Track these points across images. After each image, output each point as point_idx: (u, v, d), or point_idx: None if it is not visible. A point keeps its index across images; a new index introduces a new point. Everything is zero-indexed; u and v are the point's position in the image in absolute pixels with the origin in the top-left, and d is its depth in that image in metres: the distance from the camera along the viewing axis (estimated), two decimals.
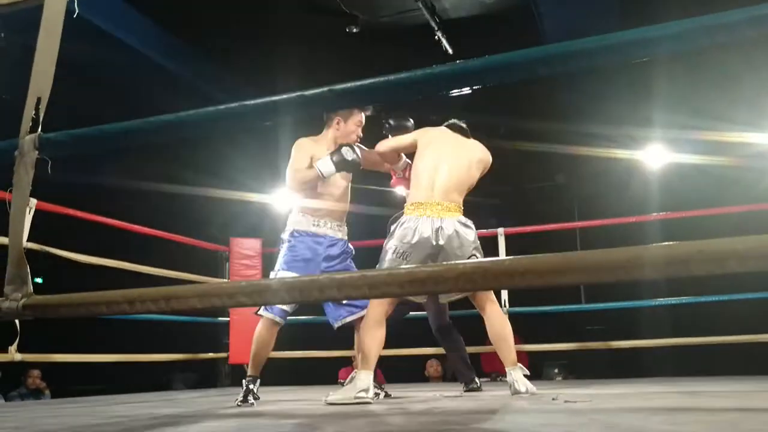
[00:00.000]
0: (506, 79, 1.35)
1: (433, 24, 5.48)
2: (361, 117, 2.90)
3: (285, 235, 2.84)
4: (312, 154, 2.82)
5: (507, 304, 4.38)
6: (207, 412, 2.31)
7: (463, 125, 3.05)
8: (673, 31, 1.08)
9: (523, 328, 5.60)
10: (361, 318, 2.75)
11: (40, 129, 1.39)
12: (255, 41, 5.88)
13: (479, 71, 1.26)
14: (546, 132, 6.38)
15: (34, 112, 1.40)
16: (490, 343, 3.08)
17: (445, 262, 2.58)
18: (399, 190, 3.19)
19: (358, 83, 1.27)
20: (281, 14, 5.73)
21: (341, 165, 2.74)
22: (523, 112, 6.48)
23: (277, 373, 4.24)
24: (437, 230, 2.67)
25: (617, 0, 5.24)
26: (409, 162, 2.96)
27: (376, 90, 1.29)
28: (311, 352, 5.02)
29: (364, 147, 2.91)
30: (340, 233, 2.90)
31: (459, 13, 5.69)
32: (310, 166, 2.78)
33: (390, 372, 4.22)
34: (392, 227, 2.83)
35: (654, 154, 6.18)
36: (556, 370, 6.10)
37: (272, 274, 2.83)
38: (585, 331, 6.13)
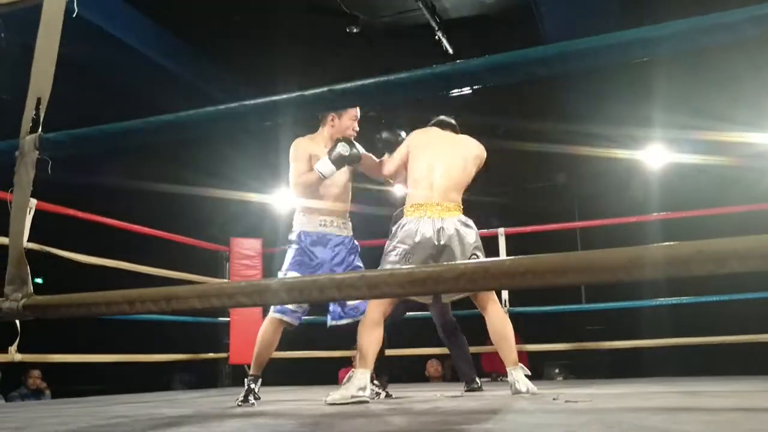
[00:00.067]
0: (506, 80, 1.35)
1: (433, 24, 5.48)
2: (355, 111, 2.90)
3: (293, 236, 2.85)
4: (310, 153, 2.83)
5: (507, 304, 4.38)
6: (207, 413, 2.31)
7: (452, 121, 3.05)
8: (673, 31, 1.08)
9: (524, 328, 5.61)
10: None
11: (40, 129, 1.39)
12: (255, 41, 5.88)
13: (479, 71, 1.26)
14: (546, 132, 6.38)
15: (34, 113, 1.40)
16: (490, 343, 3.09)
17: (445, 262, 2.58)
18: (398, 189, 3.19)
19: (359, 83, 1.27)
20: (281, 14, 5.73)
21: (340, 162, 2.75)
22: (523, 112, 6.49)
23: (277, 373, 4.24)
24: (438, 231, 2.67)
25: (617, 0, 5.24)
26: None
27: (376, 90, 1.29)
28: (311, 352, 5.02)
29: (362, 148, 2.90)
30: (346, 230, 2.91)
31: (459, 13, 5.69)
32: (310, 169, 2.79)
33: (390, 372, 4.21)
34: (393, 228, 2.83)
35: (654, 154, 6.18)
36: (557, 370, 6.11)
37: (280, 275, 2.83)
38: (585, 331, 6.13)
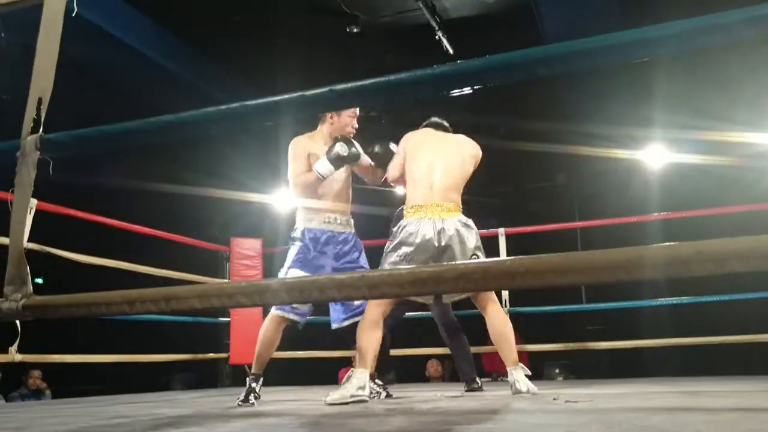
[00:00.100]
0: (507, 80, 1.35)
1: (433, 24, 5.48)
2: (355, 108, 2.88)
3: (296, 234, 2.83)
4: (309, 151, 2.82)
5: (508, 304, 4.38)
6: (208, 413, 2.31)
7: (444, 122, 3.05)
8: (673, 31, 1.08)
9: (524, 328, 5.61)
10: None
11: (41, 130, 1.39)
12: (255, 41, 5.88)
13: (480, 71, 1.26)
14: (546, 132, 6.38)
15: (35, 113, 1.40)
16: (491, 343, 3.08)
17: (445, 263, 2.58)
18: (399, 189, 3.19)
19: (359, 83, 1.27)
20: (281, 14, 5.74)
21: (338, 162, 2.74)
22: (523, 112, 6.48)
23: (277, 373, 4.25)
24: (439, 232, 2.67)
25: (617, 0, 5.24)
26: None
27: (377, 90, 1.30)
28: (311, 352, 5.02)
29: (360, 148, 2.89)
30: (349, 227, 2.91)
31: (459, 12, 5.70)
32: (309, 168, 2.78)
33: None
34: (393, 230, 2.82)
35: (654, 154, 6.18)
36: (557, 370, 6.10)
37: (282, 272, 2.82)
38: (585, 331, 6.13)
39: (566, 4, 5.22)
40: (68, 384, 5.55)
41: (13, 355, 3.17)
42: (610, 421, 1.50)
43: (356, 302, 2.78)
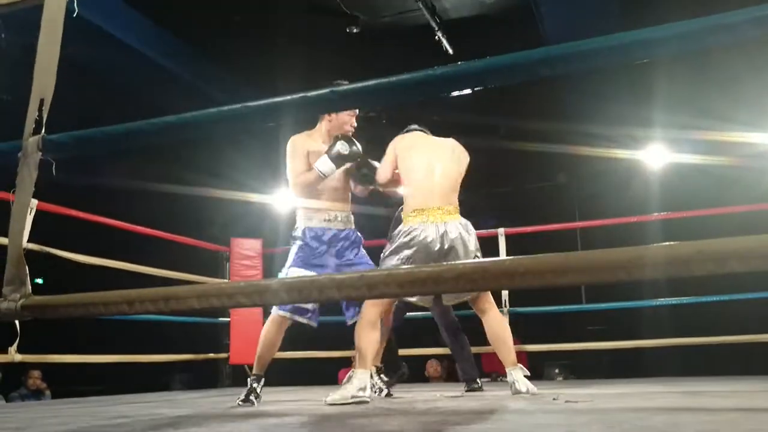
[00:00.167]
0: (508, 81, 1.35)
1: (433, 24, 5.48)
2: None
3: (297, 233, 2.81)
4: (308, 150, 2.80)
5: (507, 305, 4.38)
6: (208, 413, 2.31)
7: (425, 129, 3.04)
8: (674, 32, 1.08)
9: (524, 328, 5.61)
10: None
11: (43, 130, 1.39)
12: (255, 41, 5.89)
13: (481, 72, 1.26)
14: (546, 132, 6.38)
15: (37, 114, 1.40)
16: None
17: (445, 263, 2.58)
18: (399, 191, 3.16)
19: (361, 84, 1.27)
20: (281, 14, 5.74)
21: (340, 161, 2.72)
22: (523, 112, 6.48)
23: (277, 373, 4.24)
24: (442, 235, 2.66)
25: (617, 0, 5.24)
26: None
27: (378, 91, 1.30)
28: (311, 352, 5.02)
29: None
30: (349, 224, 2.90)
31: (459, 13, 5.70)
32: (309, 167, 2.77)
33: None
34: (393, 233, 2.81)
35: (655, 154, 6.18)
36: (557, 371, 6.10)
37: (283, 271, 2.81)
38: (586, 331, 6.13)
39: (566, 4, 5.22)
40: (68, 384, 5.55)
41: (13, 355, 3.17)
42: (610, 421, 1.50)
43: None
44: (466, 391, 3.29)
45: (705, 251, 0.87)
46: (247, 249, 5.21)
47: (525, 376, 2.74)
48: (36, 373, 5.37)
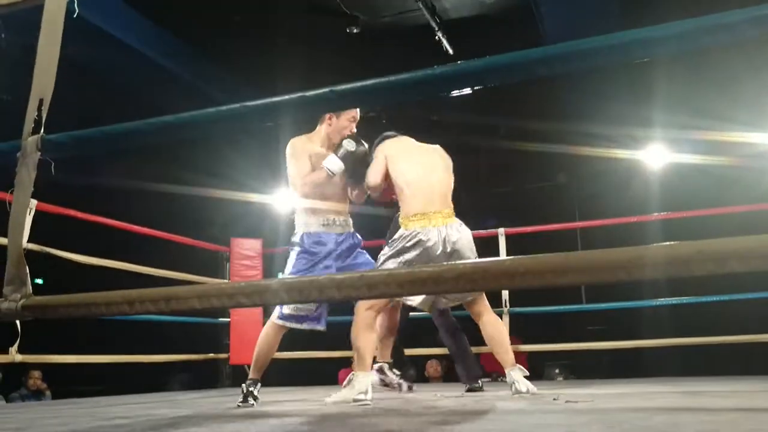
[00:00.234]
0: (507, 80, 1.35)
1: (433, 24, 5.48)
2: (354, 112, 2.86)
3: (295, 239, 2.80)
4: (309, 152, 2.80)
5: (507, 305, 4.37)
6: (208, 413, 2.31)
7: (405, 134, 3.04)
8: (674, 32, 1.08)
9: (524, 328, 5.60)
10: None
11: (42, 130, 1.39)
12: (255, 41, 5.88)
13: (480, 72, 1.26)
14: (546, 132, 6.38)
15: (36, 114, 1.40)
16: None
17: (445, 263, 2.58)
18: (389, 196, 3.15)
19: (360, 84, 1.27)
20: (281, 14, 5.74)
21: (348, 158, 2.73)
22: (523, 112, 6.48)
23: (277, 374, 4.24)
24: (444, 239, 2.67)
25: (617, 0, 5.24)
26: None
27: (377, 91, 1.30)
28: (311, 352, 5.02)
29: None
30: (348, 227, 2.89)
31: (459, 13, 5.70)
32: (314, 168, 2.77)
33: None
34: (392, 238, 2.80)
35: (655, 154, 6.18)
36: (557, 371, 6.09)
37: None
38: (586, 331, 6.12)
39: (566, 4, 5.22)
40: (68, 384, 5.55)
41: (13, 355, 3.17)
42: (610, 421, 1.50)
43: None
44: (466, 391, 3.29)
45: (705, 251, 0.86)
46: (247, 249, 5.21)
47: (524, 377, 2.74)
48: (36, 374, 5.37)
